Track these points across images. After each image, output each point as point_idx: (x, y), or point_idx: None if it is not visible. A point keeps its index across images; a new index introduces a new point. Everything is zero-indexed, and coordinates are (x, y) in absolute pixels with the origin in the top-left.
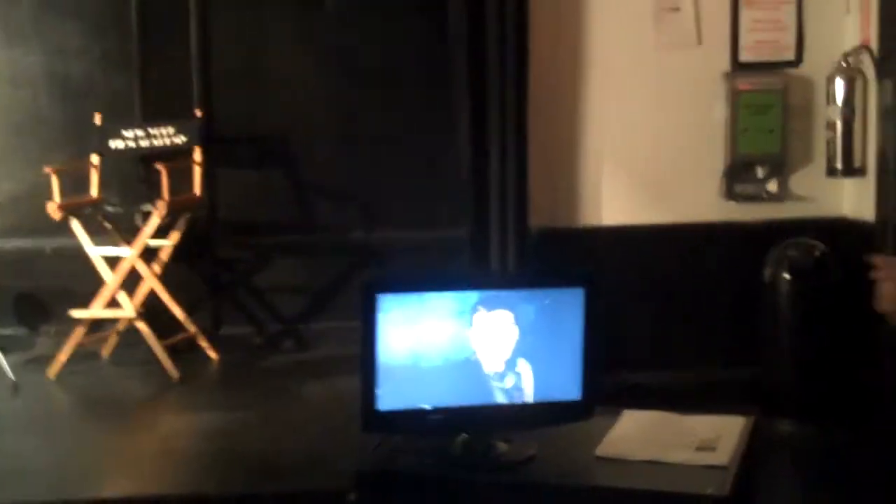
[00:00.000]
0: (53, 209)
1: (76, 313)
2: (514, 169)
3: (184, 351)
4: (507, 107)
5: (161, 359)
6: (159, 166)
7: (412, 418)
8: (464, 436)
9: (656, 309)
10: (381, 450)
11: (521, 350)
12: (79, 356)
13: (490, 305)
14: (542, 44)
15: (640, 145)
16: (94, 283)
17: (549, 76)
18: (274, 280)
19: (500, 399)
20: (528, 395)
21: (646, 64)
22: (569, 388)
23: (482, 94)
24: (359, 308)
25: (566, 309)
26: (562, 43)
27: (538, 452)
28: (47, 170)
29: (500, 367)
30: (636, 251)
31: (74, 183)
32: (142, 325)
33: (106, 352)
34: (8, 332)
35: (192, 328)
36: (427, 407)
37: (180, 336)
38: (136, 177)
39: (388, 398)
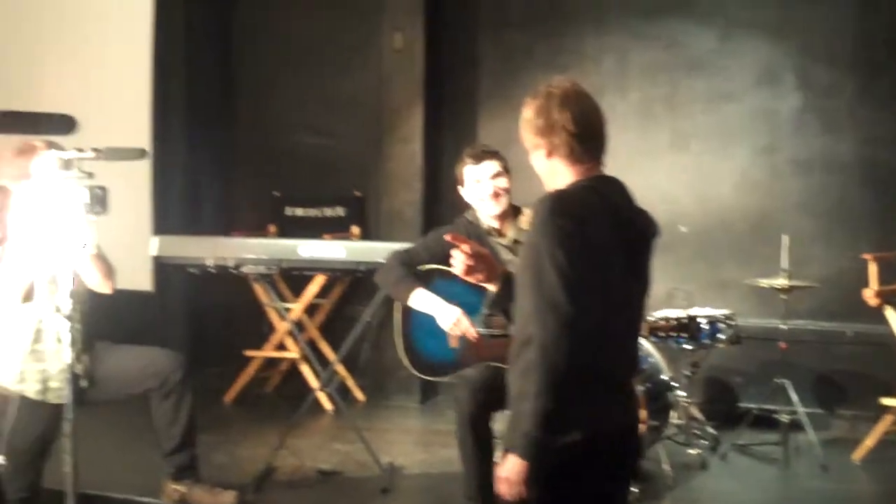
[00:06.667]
0: (870, 295)
1: (885, 400)
2: None
3: None
4: None
5: None
6: None
7: None
8: None
9: None
10: None
11: None
12: (885, 443)
13: None
14: None
15: None
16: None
17: None
18: None
19: None
20: None
21: None
22: None
23: None
24: None
25: None
26: None
27: None
28: (866, 256)
29: None
30: None
31: (887, 270)
32: None
33: None
34: (807, 410)
35: None
36: None
37: None
38: None
39: None
